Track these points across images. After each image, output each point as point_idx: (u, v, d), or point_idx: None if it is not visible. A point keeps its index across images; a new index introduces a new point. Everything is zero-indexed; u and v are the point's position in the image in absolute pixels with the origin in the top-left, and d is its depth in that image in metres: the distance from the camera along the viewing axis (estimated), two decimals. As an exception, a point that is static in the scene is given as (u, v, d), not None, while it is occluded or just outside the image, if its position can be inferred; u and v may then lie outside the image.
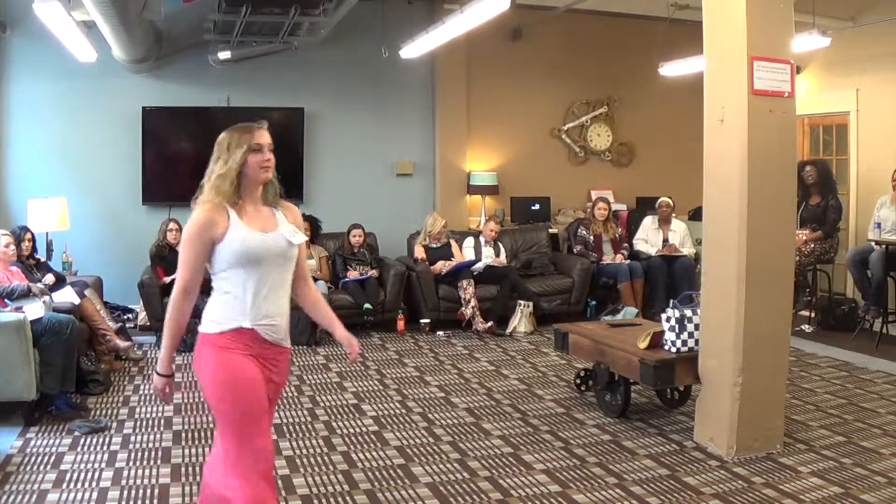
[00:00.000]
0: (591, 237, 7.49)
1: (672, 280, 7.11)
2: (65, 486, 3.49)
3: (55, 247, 6.50)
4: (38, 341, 4.35)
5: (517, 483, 3.57)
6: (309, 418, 4.52)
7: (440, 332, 6.81)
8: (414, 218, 7.59)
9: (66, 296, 5.21)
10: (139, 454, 3.90)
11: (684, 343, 4.11)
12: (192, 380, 5.28)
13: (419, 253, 7.11)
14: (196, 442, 4.09)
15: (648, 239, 7.55)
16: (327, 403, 4.82)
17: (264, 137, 2.47)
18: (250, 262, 2.43)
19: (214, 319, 2.46)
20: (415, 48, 6.74)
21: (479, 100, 8.16)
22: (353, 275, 6.86)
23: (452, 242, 7.26)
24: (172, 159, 7.30)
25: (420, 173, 8.11)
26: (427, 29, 6.19)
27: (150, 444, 4.03)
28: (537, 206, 8.25)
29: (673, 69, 7.48)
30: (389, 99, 7.94)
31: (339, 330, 2.72)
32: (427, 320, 6.86)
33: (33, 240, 5.69)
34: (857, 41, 6.89)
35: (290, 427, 4.35)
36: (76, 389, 4.71)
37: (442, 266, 6.94)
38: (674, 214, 7.59)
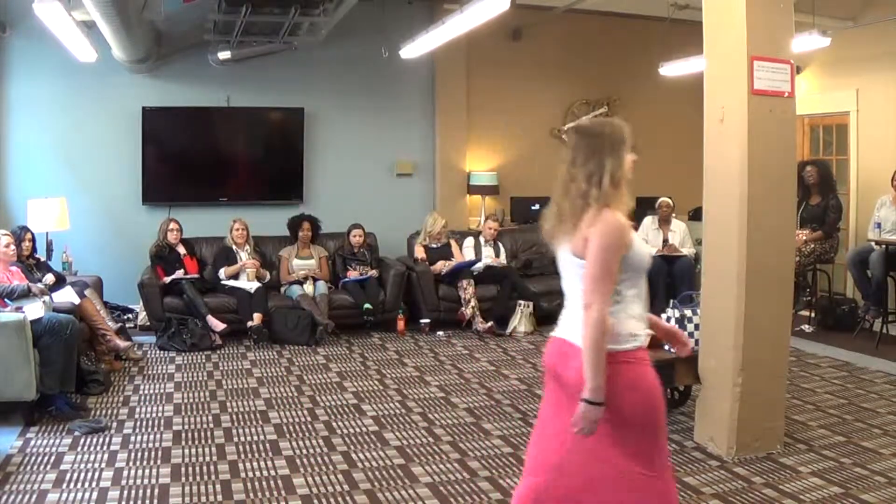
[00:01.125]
0: (591, 237, 7.47)
1: (672, 280, 7.09)
2: (65, 486, 3.49)
3: (55, 247, 6.49)
4: (38, 341, 4.35)
5: (517, 483, 3.56)
6: (309, 418, 4.51)
7: (440, 332, 6.80)
8: (414, 218, 7.59)
9: (66, 296, 5.21)
10: (139, 454, 3.89)
11: (684, 343, 4.10)
12: (192, 380, 5.29)
13: (419, 253, 7.11)
14: (196, 442, 4.09)
15: (648, 239, 7.53)
16: (327, 403, 4.82)
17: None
18: (644, 269, 2.30)
19: (630, 333, 2.29)
20: (415, 48, 6.73)
21: (479, 100, 8.16)
22: (353, 275, 6.86)
23: (452, 242, 7.25)
24: (172, 159, 7.28)
25: (420, 173, 8.11)
26: (427, 29, 6.18)
27: (150, 444, 4.03)
28: (537, 206, 8.23)
29: (673, 69, 7.47)
30: (389, 99, 7.93)
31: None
32: (427, 320, 6.85)
33: (33, 240, 5.69)
34: (857, 41, 6.88)
35: (290, 427, 4.35)
36: (76, 389, 4.71)
37: (442, 266, 6.94)
38: (674, 214, 7.57)
